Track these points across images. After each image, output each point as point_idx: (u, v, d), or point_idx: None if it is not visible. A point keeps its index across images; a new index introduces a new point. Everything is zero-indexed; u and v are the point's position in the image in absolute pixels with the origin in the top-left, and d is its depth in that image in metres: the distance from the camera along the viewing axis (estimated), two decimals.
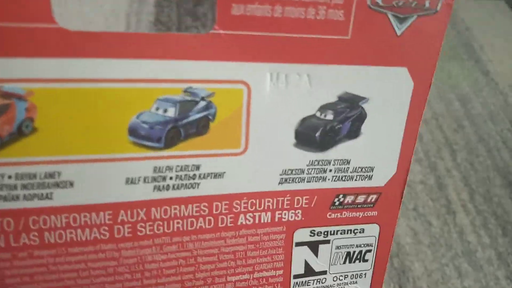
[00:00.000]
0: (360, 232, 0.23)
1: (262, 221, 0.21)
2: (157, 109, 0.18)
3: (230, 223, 0.20)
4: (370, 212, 0.22)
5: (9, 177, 0.17)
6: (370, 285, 0.24)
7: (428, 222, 0.35)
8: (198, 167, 0.19)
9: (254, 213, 0.21)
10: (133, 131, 0.18)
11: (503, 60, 0.49)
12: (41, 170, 0.17)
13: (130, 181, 0.18)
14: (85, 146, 0.17)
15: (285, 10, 0.17)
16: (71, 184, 0.18)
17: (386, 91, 0.20)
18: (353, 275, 0.24)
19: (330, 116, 0.20)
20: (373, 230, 0.23)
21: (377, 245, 0.23)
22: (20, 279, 0.19)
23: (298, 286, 0.23)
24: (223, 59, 0.18)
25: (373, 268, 0.24)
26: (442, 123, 0.42)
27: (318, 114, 0.20)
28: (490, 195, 0.37)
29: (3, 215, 0.17)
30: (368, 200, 0.22)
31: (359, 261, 0.23)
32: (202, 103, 0.18)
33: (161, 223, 0.19)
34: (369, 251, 0.23)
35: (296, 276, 0.23)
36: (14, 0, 0.15)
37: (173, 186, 0.19)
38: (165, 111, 0.18)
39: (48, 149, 0.17)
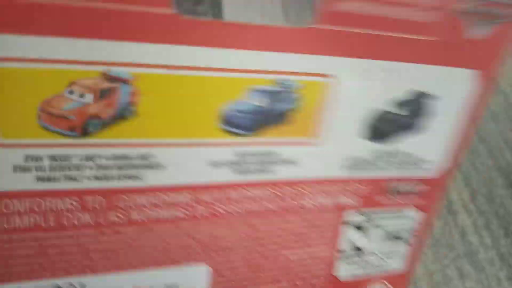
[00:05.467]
0: (404, 216, 0.25)
1: (323, 204, 0.23)
2: (250, 98, 0.19)
3: (295, 206, 0.22)
4: (417, 200, 0.25)
5: (105, 158, 0.18)
6: (407, 264, 0.27)
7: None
8: (276, 154, 0.21)
9: (318, 197, 0.22)
10: (226, 119, 0.19)
11: (505, 59, 0.49)
12: (135, 152, 0.18)
13: (213, 164, 0.20)
14: (178, 130, 0.19)
15: (379, 8, 0.19)
16: (161, 166, 0.19)
17: (454, 91, 0.22)
18: (393, 254, 0.26)
19: (401, 112, 0.22)
20: (416, 215, 0.25)
21: (418, 229, 0.26)
22: (104, 254, 0.20)
23: (343, 261, 0.25)
24: (313, 53, 0.19)
25: (412, 249, 0.26)
26: None
27: (391, 109, 0.21)
28: (492, 196, 0.37)
29: (94, 194, 0.19)
30: (418, 189, 0.24)
31: (400, 242, 0.26)
32: (292, 95, 0.19)
33: (236, 204, 0.21)
34: (410, 234, 0.26)
35: (342, 251, 0.25)
36: None
37: (251, 171, 0.20)
38: (257, 100, 0.19)
39: (144, 133, 0.18)
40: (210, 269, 0.22)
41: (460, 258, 0.33)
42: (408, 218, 0.25)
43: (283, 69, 0.19)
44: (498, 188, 0.38)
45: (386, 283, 0.27)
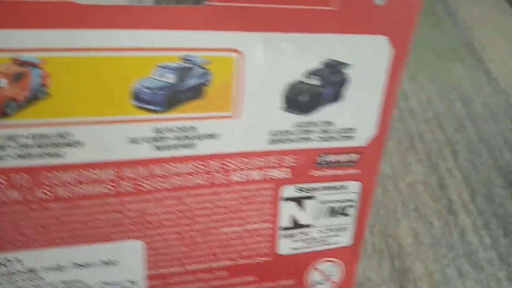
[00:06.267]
0: (343, 189, 0.25)
1: (252, 178, 0.23)
2: (158, 75, 0.20)
3: (223, 180, 0.23)
4: (352, 170, 0.25)
5: (25, 137, 0.19)
6: (353, 238, 0.27)
7: (429, 223, 0.35)
8: (194, 129, 0.21)
9: (246, 171, 0.23)
10: (135, 96, 0.20)
11: (505, 59, 0.49)
12: (53, 131, 0.20)
13: (133, 141, 0.21)
14: (92, 109, 0.20)
15: None
16: (80, 143, 0.20)
17: (367, 58, 0.22)
18: (336, 228, 0.26)
19: (315, 82, 0.22)
20: (355, 186, 0.25)
21: (359, 201, 0.26)
22: (36, 229, 0.21)
23: (286, 237, 0.26)
24: (218, 29, 0.20)
25: (355, 222, 0.26)
26: (443, 123, 0.42)
27: (304, 79, 0.22)
28: (491, 196, 0.37)
29: (19, 172, 0.20)
30: (350, 159, 0.24)
31: (342, 215, 0.26)
32: (199, 70, 0.20)
33: (161, 179, 0.22)
34: (351, 206, 0.26)
35: (283, 228, 0.25)
36: None
37: (172, 146, 0.22)
38: (165, 77, 0.20)
39: (60, 112, 0.19)
40: (145, 245, 0.23)
41: (460, 257, 0.34)
42: (347, 191, 0.25)
43: (189, 46, 0.20)
44: (498, 188, 0.38)
45: (334, 259, 0.27)
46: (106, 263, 0.23)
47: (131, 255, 0.23)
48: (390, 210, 0.36)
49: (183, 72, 0.20)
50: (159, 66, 0.20)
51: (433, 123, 0.43)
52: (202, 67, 0.20)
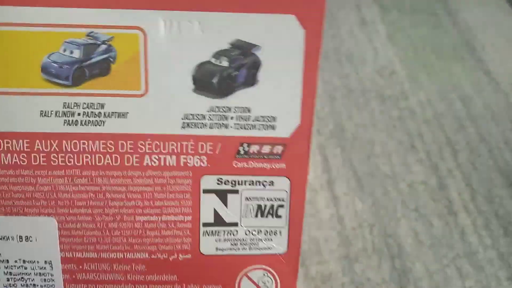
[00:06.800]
0: (269, 185, 0.24)
1: (167, 164, 0.23)
2: (65, 50, 0.21)
3: (136, 163, 0.23)
4: (277, 164, 0.24)
5: None
6: (287, 245, 0.25)
7: (429, 223, 0.35)
8: (102, 106, 0.22)
9: (159, 155, 0.23)
10: (45, 69, 0.22)
11: (505, 59, 0.49)
12: None
13: (43, 114, 0.22)
14: (4, 80, 0.21)
15: None
16: None
17: (278, 39, 0.22)
18: (267, 231, 0.25)
19: (225, 63, 0.22)
20: (283, 183, 0.24)
21: (290, 201, 0.25)
22: None
23: (208, 234, 0.25)
24: (122, 7, 0.21)
25: (288, 226, 0.25)
26: (443, 123, 0.42)
27: (213, 60, 0.22)
28: (491, 196, 0.37)
29: None
30: (274, 151, 0.24)
31: (272, 216, 0.25)
32: (103, 46, 0.21)
33: (71, 155, 0.23)
34: (281, 206, 0.25)
35: (205, 224, 0.24)
36: None
37: (81, 122, 0.22)
38: (72, 52, 0.21)
39: None
40: (58, 224, 0.24)
41: (460, 258, 0.34)
42: (276, 188, 0.24)
43: (94, 23, 0.21)
44: (498, 188, 0.38)
45: (268, 268, 0.25)
46: (23, 238, 0.23)
47: (45, 232, 0.24)
48: (390, 210, 0.36)
49: (88, 48, 0.21)
50: (66, 42, 0.21)
51: (433, 123, 0.43)
52: (106, 44, 0.21)
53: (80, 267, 0.24)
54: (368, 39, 0.51)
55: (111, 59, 0.22)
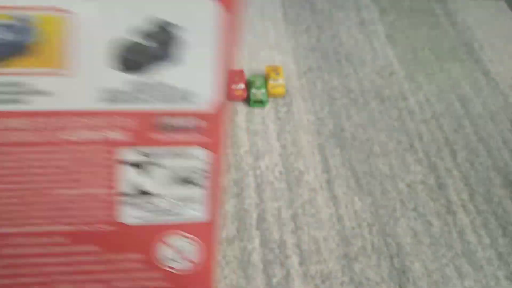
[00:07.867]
0: (187, 155, 0.25)
1: (87, 138, 0.24)
2: None
3: (54, 138, 0.23)
4: (194, 135, 0.25)
5: None
6: (207, 213, 0.26)
7: (428, 222, 0.35)
8: (22, 85, 0.22)
9: (77, 130, 0.24)
10: None
11: (504, 60, 0.49)
12: None
13: None
14: None
15: None
16: None
17: (194, 15, 0.23)
18: (186, 199, 0.26)
19: (148, 41, 0.23)
20: (200, 153, 0.25)
21: (208, 171, 0.26)
22: None
23: (128, 205, 0.25)
24: None
25: (208, 194, 0.26)
26: (442, 123, 0.42)
27: (137, 39, 0.23)
28: (490, 195, 0.37)
29: None
30: (191, 124, 0.25)
31: (191, 185, 0.26)
32: (29, 28, 0.22)
33: None
34: (199, 175, 0.26)
35: (125, 195, 0.25)
36: None
37: (5, 101, 0.22)
38: None
39: None
40: None
41: (459, 257, 0.34)
42: (194, 158, 0.25)
43: (17, 4, 0.21)
44: (497, 188, 0.38)
45: (189, 235, 0.26)
46: None
47: None
48: (389, 209, 0.36)
49: (11, 29, 0.22)
50: None
51: (432, 123, 0.43)
52: (25, 24, 0.22)
53: (2, 241, 0.25)
54: (367, 39, 0.51)
55: (31, 39, 0.22)
